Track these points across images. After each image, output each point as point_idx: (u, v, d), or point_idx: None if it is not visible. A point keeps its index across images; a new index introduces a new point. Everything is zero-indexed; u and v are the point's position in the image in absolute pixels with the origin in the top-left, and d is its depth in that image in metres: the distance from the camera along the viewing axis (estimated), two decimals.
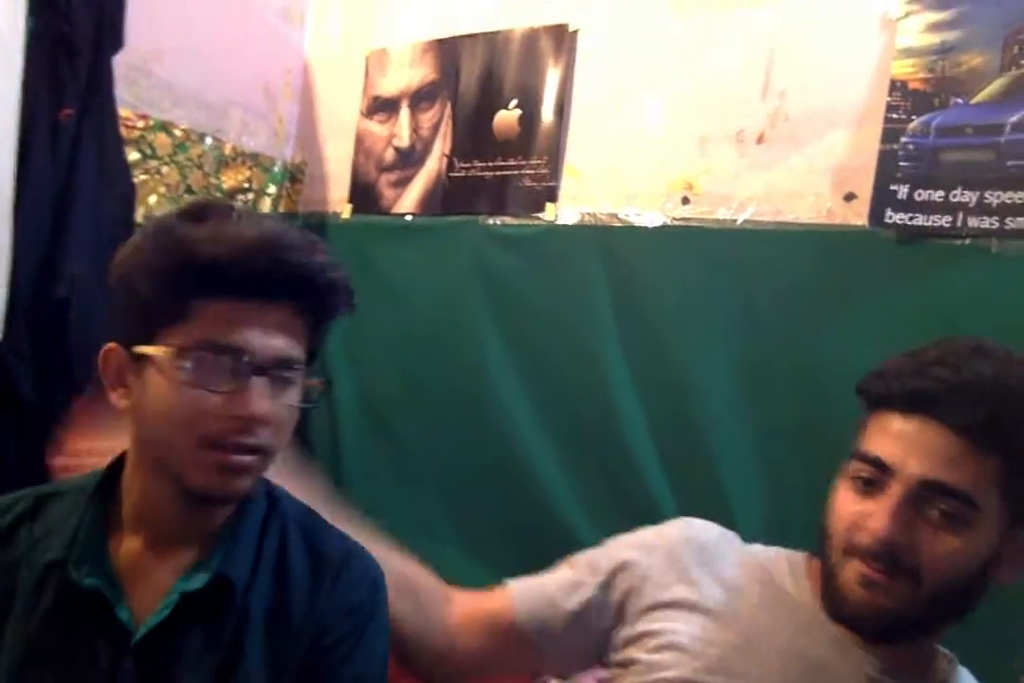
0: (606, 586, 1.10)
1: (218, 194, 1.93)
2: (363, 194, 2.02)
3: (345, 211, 2.03)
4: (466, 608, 1.13)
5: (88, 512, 0.85)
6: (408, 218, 1.95)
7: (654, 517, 1.45)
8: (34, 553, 0.85)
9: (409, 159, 1.96)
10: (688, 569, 1.08)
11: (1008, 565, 0.93)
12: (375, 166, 2.00)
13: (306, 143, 2.12)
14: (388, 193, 1.97)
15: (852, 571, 0.94)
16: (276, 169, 2.08)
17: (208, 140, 1.92)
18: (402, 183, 1.96)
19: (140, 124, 1.79)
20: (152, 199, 1.81)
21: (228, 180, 1.96)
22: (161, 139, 1.83)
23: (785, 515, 1.43)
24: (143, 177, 1.79)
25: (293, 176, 2.11)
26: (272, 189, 2.06)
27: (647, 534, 1.13)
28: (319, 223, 2.03)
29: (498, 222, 1.82)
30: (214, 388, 0.81)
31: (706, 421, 1.54)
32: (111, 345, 0.85)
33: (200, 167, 1.90)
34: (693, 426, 1.55)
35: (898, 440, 0.93)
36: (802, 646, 1.01)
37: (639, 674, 1.04)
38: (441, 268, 1.86)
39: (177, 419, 0.81)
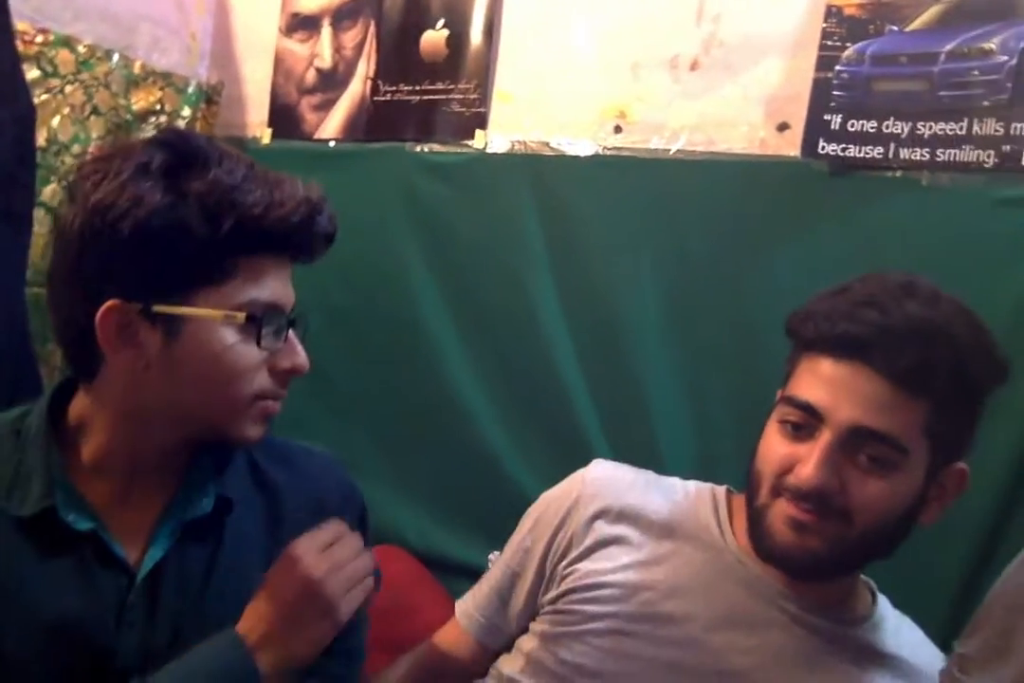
0: (540, 567, 1.10)
1: (128, 116, 1.82)
2: (284, 118, 1.92)
3: (265, 136, 1.94)
4: (429, 660, 1.16)
5: (52, 458, 0.84)
6: (332, 144, 1.87)
7: (584, 453, 1.46)
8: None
9: (331, 81, 1.87)
10: (605, 520, 1.08)
11: (932, 506, 0.96)
12: (296, 88, 1.91)
13: (222, 62, 2.00)
14: (310, 117, 1.89)
15: (780, 512, 0.95)
16: (190, 90, 1.96)
17: (115, 57, 1.80)
18: (325, 107, 1.87)
19: (39, 39, 1.66)
20: (55, 121, 1.70)
21: (138, 101, 1.85)
22: (63, 56, 1.71)
23: (714, 451, 1.44)
24: (44, 97, 1.67)
25: (209, 97, 1.99)
26: (187, 111, 1.95)
27: (560, 497, 1.12)
28: (238, 148, 1.93)
29: (426, 149, 1.76)
30: (266, 346, 0.84)
31: (636, 353, 1.54)
32: (114, 303, 0.79)
33: (107, 87, 1.78)
34: (623, 358, 1.54)
35: (828, 385, 0.93)
36: (725, 586, 1.02)
37: (568, 625, 1.04)
38: (367, 196, 1.79)
39: (230, 377, 0.83)
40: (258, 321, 0.82)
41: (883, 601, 1.09)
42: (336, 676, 0.90)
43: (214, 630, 0.83)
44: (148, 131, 1.86)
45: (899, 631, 1.06)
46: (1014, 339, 1.19)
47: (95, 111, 1.76)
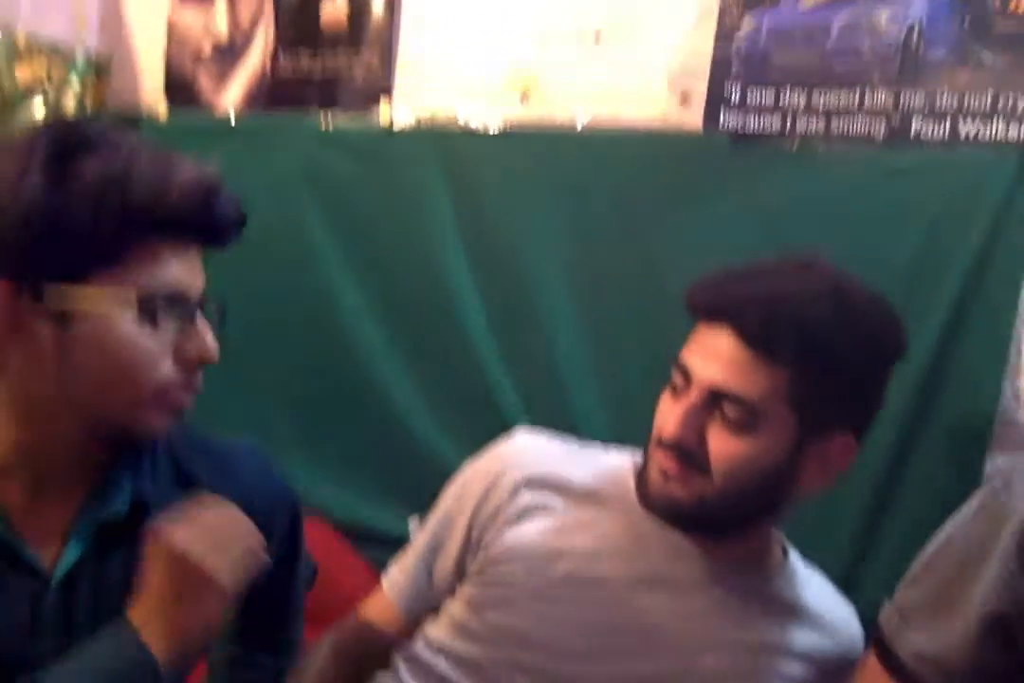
0: (466, 536, 1.11)
1: (13, 91, 1.73)
2: (180, 90, 1.86)
3: (160, 110, 1.88)
4: (356, 633, 1.15)
5: None
6: (231, 118, 1.82)
7: (499, 420, 1.48)
8: None
9: (229, 52, 1.82)
10: (529, 489, 1.09)
11: (807, 475, 1.00)
12: (191, 59, 1.85)
13: (112, 32, 1.92)
14: (207, 89, 1.83)
15: (655, 463, 1.00)
16: (78, 61, 1.88)
17: None
18: (222, 79, 1.82)
19: None
20: None
21: (24, 74, 1.76)
22: None
23: (626, 417, 1.47)
24: None
25: (99, 69, 1.91)
26: (75, 84, 1.87)
27: (483, 468, 1.13)
28: (132, 123, 1.86)
29: (330, 123, 1.73)
30: (166, 333, 0.79)
31: (548, 323, 1.56)
32: (5, 281, 0.76)
33: None
34: (535, 329, 1.56)
35: (700, 349, 0.98)
36: (646, 549, 1.05)
37: (495, 591, 1.06)
38: (270, 172, 1.75)
39: (129, 367, 0.78)
40: (152, 306, 0.77)
41: (793, 555, 1.13)
42: (271, 668, 0.91)
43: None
44: (35, 106, 1.78)
45: (809, 583, 1.11)
46: (906, 302, 1.26)
47: None
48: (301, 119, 1.75)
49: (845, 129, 1.35)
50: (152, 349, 0.79)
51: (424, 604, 1.13)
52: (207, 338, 0.81)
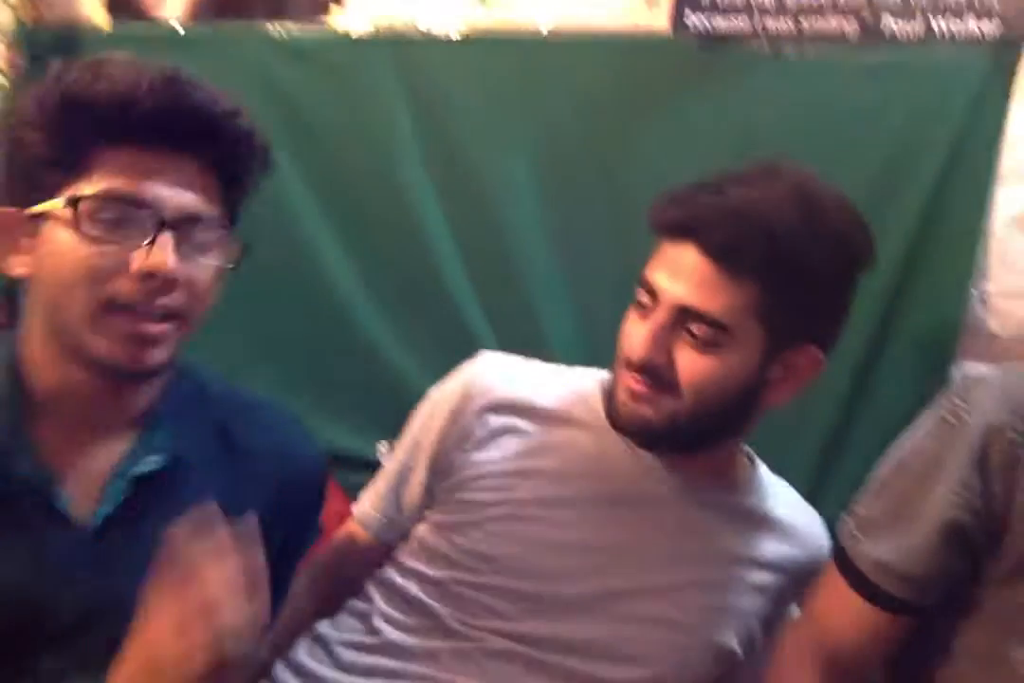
0: (433, 461, 1.10)
1: None
2: (119, 2, 1.76)
3: (102, 19, 1.78)
4: (332, 563, 1.15)
5: (13, 399, 0.78)
6: (179, 28, 1.73)
7: (468, 342, 1.46)
8: None
9: None
10: (496, 412, 1.09)
11: (775, 388, 0.99)
12: None
13: None
14: (148, 0, 1.74)
15: (623, 383, 0.99)
16: None
17: None
18: None
19: None
20: None
21: None
22: None
23: (597, 336, 1.46)
24: None
25: None
26: None
27: (449, 392, 1.12)
28: (73, 36, 1.77)
29: (282, 31, 1.65)
30: (119, 242, 0.75)
31: (514, 239, 1.52)
32: (1, 209, 0.77)
33: None
34: (502, 245, 1.53)
35: (665, 266, 0.96)
36: (612, 468, 1.05)
37: (463, 513, 1.06)
38: (223, 84, 1.67)
39: (79, 278, 0.74)
40: (76, 207, 0.74)
41: (761, 467, 1.15)
42: None
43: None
44: None
45: (776, 494, 1.13)
46: (877, 204, 1.24)
47: None
48: (252, 27, 1.67)
49: (816, 29, 1.30)
50: (103, 258, 0.75)
51: (395, 530, 1.14)
52: (160, 252, 0.75)
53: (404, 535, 1.12)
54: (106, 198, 0.74)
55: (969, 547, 0.86)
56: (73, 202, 0.74)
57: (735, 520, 1.07)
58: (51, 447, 0.80)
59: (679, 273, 0.94)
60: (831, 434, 1.28)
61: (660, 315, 0.95)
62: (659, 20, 1.41)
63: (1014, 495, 0.84)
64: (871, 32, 1.27)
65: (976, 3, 1.21)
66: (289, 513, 0.91)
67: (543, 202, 1.50)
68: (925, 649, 0.92)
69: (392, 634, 1.02)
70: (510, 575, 1.01)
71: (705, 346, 0.94)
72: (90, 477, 0.81)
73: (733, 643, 1.03)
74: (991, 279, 1.22)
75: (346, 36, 1.61)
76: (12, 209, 0.77)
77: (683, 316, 0.94)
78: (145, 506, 0.81)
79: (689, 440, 1.01)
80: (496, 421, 1.08)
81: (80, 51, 1.73)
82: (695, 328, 0.94)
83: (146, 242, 0.75)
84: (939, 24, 1.23)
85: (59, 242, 0.75)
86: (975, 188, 1.21)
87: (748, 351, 0.95)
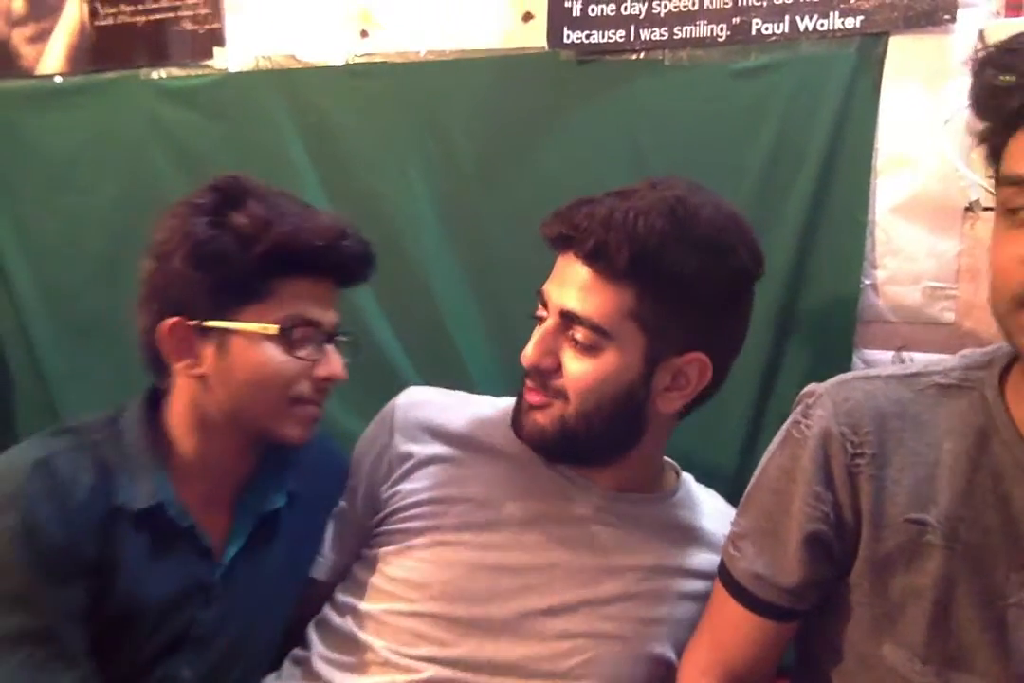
0: (366, 499, 1.13)
1: None
2: None
3: None
4: None
5: (156, 461, 0.99)
6: (57, 79, 1.70)
7: (389, 375, 1.44)
8: (126, 494, 0.96)
9: (42, 8, 1.69)
10: (420, 442, 1.12)
11: (664, 396, 1.01)
12: (3, 20, 1.72)
13: None
14: (27, 51, 1.71)
15: (523, 397, 1.05)
16: None
17: None
18: (40, 38, 1.70)
19: None
20: None
21: None
22: None
23: (511, 358, 1.44)
24: None
25: None
26: None
27: (374, 431, 1.16)
28: None
29: (163, 75, 1.63)
30: (303, 356, 0.99)
31: (421, 264, 1.50)
32: (174, 320, 0.96)
33: None
34: (410, 271, 1.50)
35: (555, 277, 1.01)
36: (536, 490, 1.08)
37: (394, 544, 1.07)
38: (110, 134, 1.65)
39: (272, 382, 0.98)
40: (290, 333, 0.97)
41: (686, 478, 1.16)
42: None
43: (270, 603, 1.06)
44: None
45: (702, 503, 1.14)
46: (762, 205, 1.26)
47: None
48: (132, 74, 1.64)
49: (688, 34, 1.32)
50: (291, 368, 0.99)
51: (342, 571, 1.14)
52: (334, 362, 1.02)
53: (342, 576, 1.13)
54: (293, 323, 0.98)
55: (832, 555, 0.90)
56: (283, 324, 0.97)
57: (661, 532, 1.08)
58: (191, 499, 1.01)
59: (564, 282, 0.99)
60: (745, 432, 1.29)
61: (547, 322, 1.00)
62: (535, 39, 1.42)
63: (859, 502, 0.87)
64: (739, 34, 1.29)
65: (839, 0, 1.23)
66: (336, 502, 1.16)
67: (445, 223, 1.49)
68: (819, 651, 0.95)
69: (331, 675, 1.03)
70: (442, 600, 1.02)
71: (587, 350, 0.98)
72: (218, 519, 1.03)
73: (669, 652, 1.04)
74: (880, 267, 1.23)
75: (228, 74, 1.59)
76: (184, 320, 0.96)
77: (568, 322, 0.98)
78: (266, 537, 1.05)
79: (587, 448, 1.03)
80: (420, 452, 1.11)
81: None
82: (577, 332, 0.97)
83: (319, 353, 1.00)
84: (805, 23, 1.26)
85: (252, 355, 0.97)
86: (855, 179, 1.23)
87: (629, 355, 0.98)
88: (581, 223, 0.96)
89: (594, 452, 1.05)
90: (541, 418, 1.02)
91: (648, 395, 1.01)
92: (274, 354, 0.97)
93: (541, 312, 1.03)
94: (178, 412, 1.02)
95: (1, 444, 1.54)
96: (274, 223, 0.95)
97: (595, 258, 0.96)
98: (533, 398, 1.02)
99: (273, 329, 0.96)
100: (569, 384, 0.99)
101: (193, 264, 0.95)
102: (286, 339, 0.97)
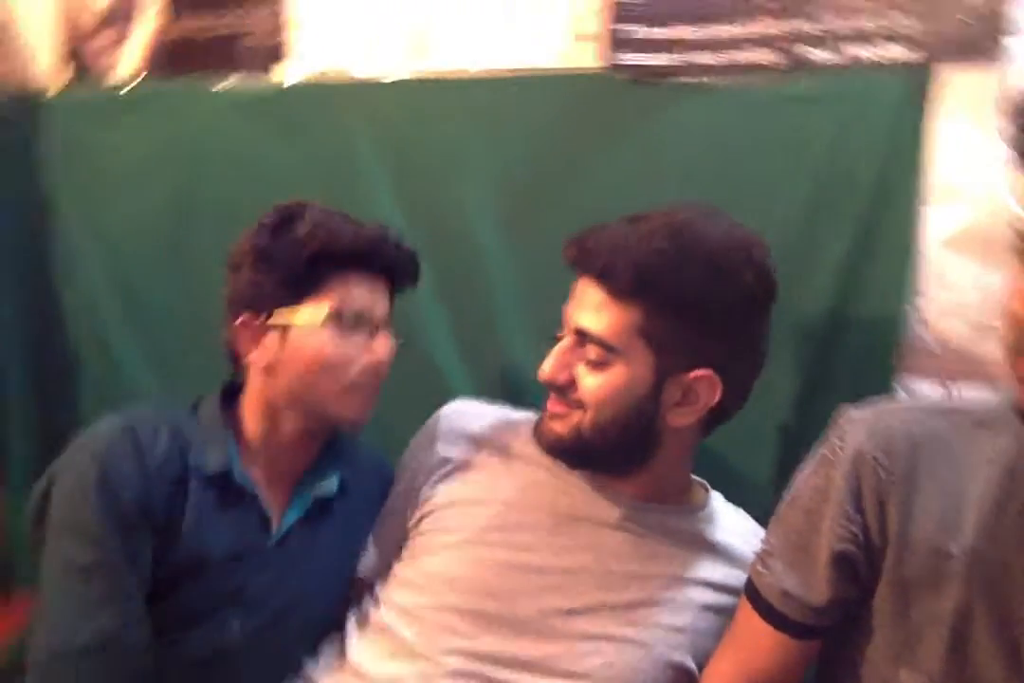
0: (408, 502, 1.21)
1: None
2: (69, 64, 1.79)
3: (52, 87, 1.80)
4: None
5: (227, 436, 1.13)
6: (128, 89, 1.75)
7: (446, 393, 1.44)
8: (199, 460, 1.10)
9: (115, 19, 1.74)
10: (459, 449, 1.20)
11: (675, 411, 1.06)
12: (78, 30, 1.78)
13: None
14: (99, 60, 1.77)
15: (546, 408, 1.12)
16: None
17: None
18: (113, 48, 1.75)
19: None
20: None
21: None
22: None
23: None
24: None
25: None
26: None
27: (419, 439, 1.25)
28: (23, 105, 1.78)
29: (228, 87, 1.68)
30: (356, 342, 1.12)
31: (481, 276, 1.52)
32: (245, 316, 1.12)
33: None
34: (470, 283, 1.52)
35: (574, 298, 1.08)
36: (567, 496, 1.14)
37: (430, 542, 1.14)
38: (177, 144, 1.70)
39: (331, 366, 1.10)
40: (339, 320, 1.10)
41: (716, 495, 1.19)
42: None
43: (319, 581, 1.16)
44: None
45: (731, 521, 1.16)
46: (810, 233, 1.27)
47: None
48: (199, 87, 1.69)
49: (740, 60, 1.33)
50: (346, 352, 1.11)
51: (376, 569, 1.21)
52: (379, 347, 1.14)
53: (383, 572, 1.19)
54: (348, 313, 1.11)
55: (859, 576, 0.91)
56: (337, 315, 1.10)
57: (685, 544, 1.11)
58: (255, 475, 1.14)
59: (580, 302, 1.06)
60: (780, 454, 1.29)
61: (564, 340, 1.08)
62: (589, 59, 1.43)
63: (887, 526, 0.89)
64: (793, 61, 1.30)
65: (888, 30, 1.23)
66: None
67: (502, 234, 1.50)
68: (839, 671, 0.97)
69: (362, 660, 1.08)
70: (471, 595, 1.07)
71: (598, 365, 1.04)
72: (278, 498, 1.16)
73: (688, 661, 1.07)
74: (928, 298, 1.23)
75: (290, 86, 1.63)
76: (252, 314, 1.12)
77: (582, 339, 1.05)
78: (319, 520, 1.17)
79: (601, 457, 1.09)
80: (458, 457, 1.19)
81: (34, 119, 1.76)
82: (590, 349, 1.04)
83: (371, 340, 1.13)
84: (856, 51, 1.26)
85: (313, 343, 1.10)
86: (903, 210, 1.23)
87: (638, 370, 1.03)
88: (591, 247, 1.04)
89: (609, 461, 1.10)
90: (559, 426, 1.08)
91: (658, 409, 1.05)
92: (327, 340, 1.10)
93: (563, 330, 1.10)
94: (250, 400, 1.16)
95: (66, 425, 1.64)
96: (325, 227, 1.10)
97: (604, 279, 1.02)
98: (554, 408, 1.09)
99: (323, 315, 1.09)
100: (585, 397, 1.05)
101: (257, 268, 1.10)
102: (337, 325, 1.10)
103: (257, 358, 1.13)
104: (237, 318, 1.12)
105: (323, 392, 1.11)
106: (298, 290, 1.10)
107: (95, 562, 1.01)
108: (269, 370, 1.12)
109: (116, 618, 1.00)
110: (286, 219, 1.12)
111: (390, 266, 1.16)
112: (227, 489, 1.10)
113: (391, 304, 1.18)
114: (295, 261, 1.09)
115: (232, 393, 1.19)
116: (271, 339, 1.11)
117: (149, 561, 1.04)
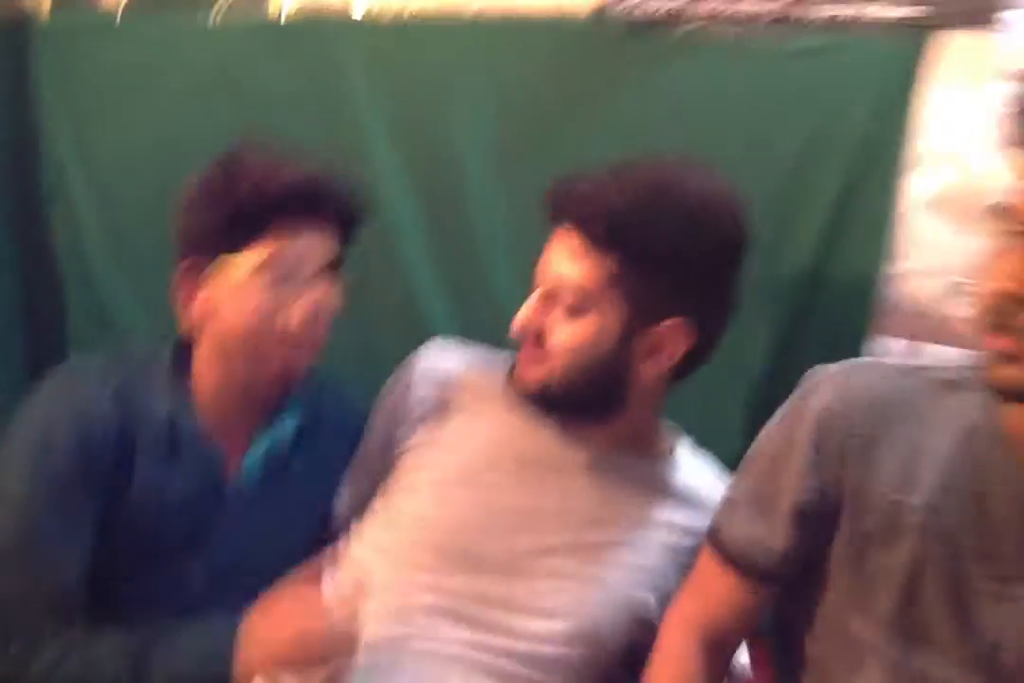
0: (384, 439, 1.23)
1: None
2: None
3: (42, 8, 1.76)
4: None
5: (174, 381, 1.13)
6: (116, 19, 1.71)
7: (426, 331, 1.46)
8: (145, 411, 1.10)
9: None
10: (434, 391, 1.21)
11: (645, 359, 1.08)
12: None
13: None
14: None
15: (520, 353, 1.14)
16: None
17: None
18: None
19: None
20: None
21: None
22: None
23: None
24: None
25: None
26: None
27: (393, 383, 1.25)
28: (15, 27, 1.75)
29: (218, 18, 1.64)
30: (293, 291, 1.08)
31: (469, 215, 1.52)
32: (192, 259, 1.09)
33: None
34: (459, 220, 1.53)
35: (551, 247, 1.11)
36: (536, 438, 1.16)
37: (404, 480, 1.18)
38: (165, 72, 1.68)
39: (259, 317, 1.07)
40: (274, 270, 1.07)
41: (683, 443, 1.22)
42: None
43: (285, 526, 1.18)
44: None
45: (696, 468, 1.20)
46: (792, 185, 1.27)
47: None
48: (189, 17, 1.66)
49: (743, 9, 1.32)
50: (275, 302, 1.07)
51: (352, 508, 1.24)
52: (307, 301, 1.09)
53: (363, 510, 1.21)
54: (285, 255, 1.07)
55: (818, 526, 0.94)
56: (266, 259, 1.06)
57: (650, 489, 1.15)
58: (215, 424, 1.15)
59: (556, 249, 1.08)
60: (752, 413, 1.32)
61: (541, 288, 1.09)
62: (583, 3, 1.41)
63: (846, 479, 0.92)
64: (794, 15, 1.29)
65: None
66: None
67: (494, 175, 1.50)
68: (794, 616, 1.01)
69: (335, 593, 1.10)
70: (441, 534, 1.10)
71: (572, 312, 1.06)
72: (236, 443, 1.15)
73: (650, 599, 1.11)
74: (906, 259, 1.25)
75: (279, 21, 1.60)
76: (197, 258, 1.09)
77: (556, 286, 1.07)
78: (282, 465, 1.17)
79: (571, 403, 1.12)
80: (434, 397, 1.20)
81: (26, 41, 1.73)
82: (565, 296, 1.06)
83: (309, 285, 1.09)
84: (856, 9, 1.25)
85: (246, 291, 1.07)
86: (888, 171, 1.24)
87: (610, 318, 1.06)
88: (571, 195, 1.06)
89: (580, 408, 1.13)
90: (531, 373, 1.11)
91: (629, 359, 1.08)
92: (255, 290, 1.07)
93: (540, 278, 1.11)
94: (200, 348, 1.14)
95: (51, 356, 1.64)
96: (269, 166, 1.07)
97: (580, 228, 1.04)
98: (527, 354, 1.11)
99: (257, 262, 1.06)
100: (554, 344, 1.07)
101: (201, 207, 1.08)
102: (269, 274, 1.07)
103: (200, 305, 1.10)
104: (182, 259, 1.10)
105: (254, 342, 1.09)
106: (241, 233, 1.06)
107: (21, 541, 1.02)
108: (210, 318, 1.10)
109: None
110: (235, 159, 1.09)
111: (337, 208, 1.12)
112: (177, 437, 1.11)
113: (344, 245, 1.15)
114: (235, 200, 1.05)
115: (190, 342, 1.18)
116: (213, 284, 1.09)
117: (89, 523, 1.05)
